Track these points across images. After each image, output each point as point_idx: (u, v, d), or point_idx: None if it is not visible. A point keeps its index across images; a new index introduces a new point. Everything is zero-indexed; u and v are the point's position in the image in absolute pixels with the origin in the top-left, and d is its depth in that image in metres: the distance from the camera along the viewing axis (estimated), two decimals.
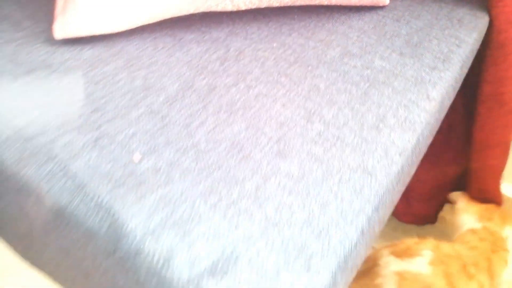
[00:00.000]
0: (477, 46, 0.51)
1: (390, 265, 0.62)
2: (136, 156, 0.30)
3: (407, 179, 0.38)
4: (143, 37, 0.43)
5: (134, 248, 0.26)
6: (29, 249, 0.39)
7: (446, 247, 0.65)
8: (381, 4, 0.52)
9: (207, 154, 0.32)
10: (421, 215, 0.86)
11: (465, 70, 0.48)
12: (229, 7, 0.43)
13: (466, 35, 0.49)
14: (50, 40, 0.40)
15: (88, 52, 0.40)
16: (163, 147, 0.32)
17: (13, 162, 0.31)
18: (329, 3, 0.48)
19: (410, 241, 0.66)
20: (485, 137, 0.66)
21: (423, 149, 0.40)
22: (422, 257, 0.62)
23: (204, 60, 0.41)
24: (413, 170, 0.40)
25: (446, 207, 0.83)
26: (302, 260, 0.27)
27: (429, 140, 0.42)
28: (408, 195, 0.85)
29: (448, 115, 0.52)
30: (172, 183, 0.29)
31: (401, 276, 0.60)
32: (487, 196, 0.76)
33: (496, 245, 0.68)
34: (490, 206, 0.73)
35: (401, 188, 0.37)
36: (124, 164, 0.30)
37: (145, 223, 0.27)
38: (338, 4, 0.49)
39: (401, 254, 0.64)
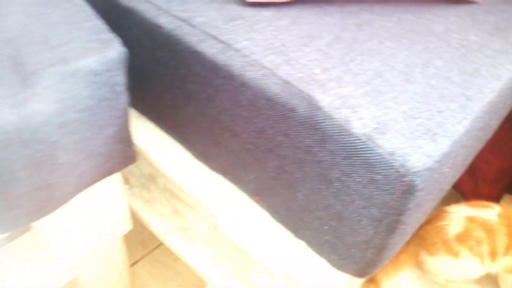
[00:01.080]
0: None
1: (461, 211, 0.75)
2: (316, 71, 0.47)
3: (493, 118, 0.53)
4: (300, 7, 0.60)
5: (327, 114, 0.43)
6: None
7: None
8: (475, 1, 0.67)
9: (359, 75, 0.48)
10: (486, 195, 0.97)
11: None
12: None
13: None
14: (242, 2, 0.59)
15: (267, 12, 0.58)
16: (331, 68, 0.48)
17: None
18: None
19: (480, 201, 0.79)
20: None
21: (505, 99, 0.55)
22: (493, 209, 0.75)
23: (345, 24, 0.58)
24: (495, 115, 0.54)
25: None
26: (428, 135, 0.42)
27: (509, 96, 0.56)
28: (475, 176, 0.97)
29: None
30: (342, 82, 0.46)
31: (470, 219, 0.74)
32: None
33: None
34: None
35: (489, 120, 0.52)
36: (310, 74, 0.47)
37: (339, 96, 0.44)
38: None
39: (473, 205, 0.77)
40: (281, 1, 0.59)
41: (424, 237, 0.79)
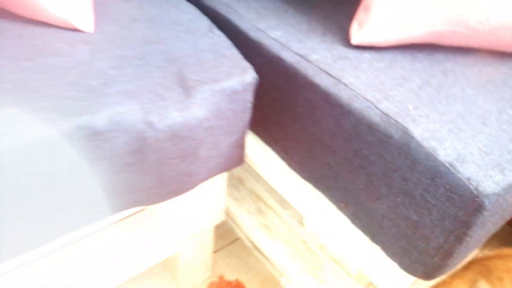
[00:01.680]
0: None
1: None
2: (410, 107, 0.59)
3: None
4: (394, 51, 0.73)
5: (420, 147, 0.55)
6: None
7: None
8: None
9: (444, 115, 0.60)
10: None
11: None
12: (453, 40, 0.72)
13: None
14: (347, 44, 0.72)
15: (367, 54, 0.71)
16: (421, 106, 0.61)
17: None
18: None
19: None
20: None
21: None
22: None
23: (432, 70, 0.70)
24: None
25: None
26: (498, 168, 0.53)
27: None
28: None
29: None
30: (431, 119, 0.58)
31: None
32: None
33: None
34: None
35: None
36: (404, 109, 0.59)
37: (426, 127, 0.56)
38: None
39: None
40: (380, 45, 0.72)
41: (490, 268, 0.86)
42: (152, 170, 0.62)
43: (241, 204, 0.96)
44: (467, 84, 0.68)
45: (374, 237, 0.67)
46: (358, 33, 0.71)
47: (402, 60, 0.71)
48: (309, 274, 0.85)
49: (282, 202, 0.92)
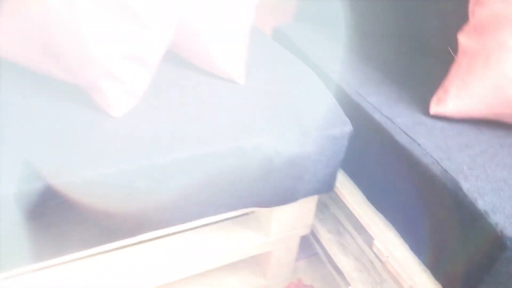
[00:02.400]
0: None
1: None
2: (465, 168, 0.81)
3: None
4: (463, 124, 0.94)
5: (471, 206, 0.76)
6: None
7: None
8: None
9: (491, 176, 0.80)
10: None
11: None
12: None
13: None
14: (426, 112, 0.95)
15: (440, 123, 0.93)
16: (474, 169, 0.82)
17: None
18: None
19: None
20: None
21: None
22: None
23: (492, 142, 0.90)
24: None
25: None
26: None
27: None
28: None
29: None
30: (479, 179, 0.79)
31: None
32: None
33: None
34: None
35: None
36: (460, 169, 0.81)
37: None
38: None
39: None
40: (452, 117, 0.94)
41: None
42: (272, 183, 0.90)
43: (324, 224, 1.21)
44: None
45: (426, 263, 0.88)
46: (436, 107, 0.94)
47: (469, 131, 0.92)
48: (371, 285, 1.07)
49: (357, 226, 1.15)
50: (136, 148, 0.77)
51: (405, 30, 1.25)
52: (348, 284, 1.13)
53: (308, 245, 1.35)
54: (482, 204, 0.74)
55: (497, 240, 0.71)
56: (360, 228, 1.14)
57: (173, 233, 1.02)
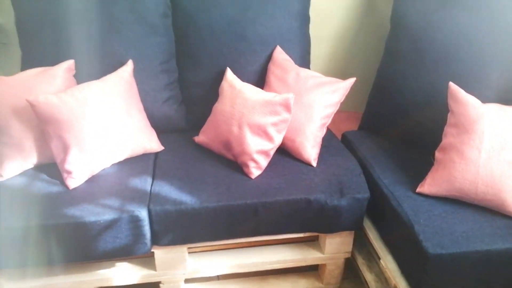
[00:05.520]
0: None
1: None
2: (421, 221, 1.58)
3: None
4: (440, 198, 1.70)
5: None
6: None
7: None
8: None
9: (445, 229, 1.55)
10: None
11: None
12: None
13: None
14: (414, 190, 1.73)
15: (424, 198, 1.70)
16: (438, 221, 1.58)
17: None
18: None
19: None
20: None
21: None
22: None
23: (464, 208, 1.64)
24: None
25: None
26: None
27: None
28: None
29: None
30: (439, 226, 1.55)
31: None
32: None
33: None
34: None
35: None
36: (426, 222, 1.58)
37: None
38: None
39: None
40: (431, 195, 1.71)
41: None
42: (324, 219, 1.75)
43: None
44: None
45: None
46: (419, 188, 1.72)
47: (443, 205, 1.67)
48: None
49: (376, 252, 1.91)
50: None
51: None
52: None
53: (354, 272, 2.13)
54: (430, 245, 1.50)
55: (425, 257, 1.46)
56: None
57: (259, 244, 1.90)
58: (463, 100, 1.66)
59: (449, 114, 1.72)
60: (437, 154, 1.73)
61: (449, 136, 1.69)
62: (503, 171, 1.56)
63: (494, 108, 1.64)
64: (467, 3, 1.85)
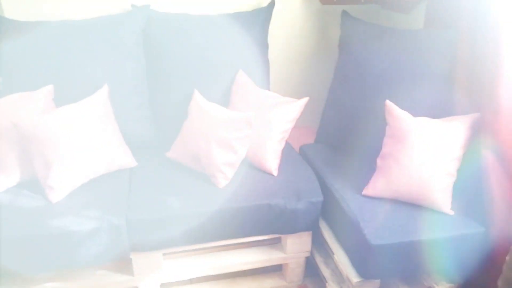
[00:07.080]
0: None
1: None
2: (365, 218, 1.85)
3: None
4: (385, 199, 1.98)
5: None
6: None
7: None
8: None
9: (384, 223, 1.82)
10: None
11: None
12: None
13: None
14: (360, 192, 2.00)
15: (369, 199, 1.98)
16: (379, 218, 1.84)
17: None
18: None
19: None
20: None
21: None
22: None
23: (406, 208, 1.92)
24: None
25: None
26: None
27: None
28: None
29: None
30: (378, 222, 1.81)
31: None
32: None
33: None
34: None
35: None
36: (370, 218, 1.85)
37: None
38: None
39: None
40: (376, 197, 1.99)
41: None
42: (283, 222, 1.99)
43: (317, 250, 2.23)
44: None
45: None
46: (365, 191, 1.99)
47: (385, 204, 1.94)
48: (338, 283, 2.05)
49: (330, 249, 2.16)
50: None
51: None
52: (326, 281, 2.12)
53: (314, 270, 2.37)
54: (368, 232, 1.76)
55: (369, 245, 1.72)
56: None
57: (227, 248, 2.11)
58: (398, 115, 1.96)
59: (387, 127, 2.01)
60: (378, 161, 2.01)
61: (387, 145, 1.98)
62: (432, 175, 1.85)
63: (424, 121, 1.94)
64: (399, 35, 2.18)
